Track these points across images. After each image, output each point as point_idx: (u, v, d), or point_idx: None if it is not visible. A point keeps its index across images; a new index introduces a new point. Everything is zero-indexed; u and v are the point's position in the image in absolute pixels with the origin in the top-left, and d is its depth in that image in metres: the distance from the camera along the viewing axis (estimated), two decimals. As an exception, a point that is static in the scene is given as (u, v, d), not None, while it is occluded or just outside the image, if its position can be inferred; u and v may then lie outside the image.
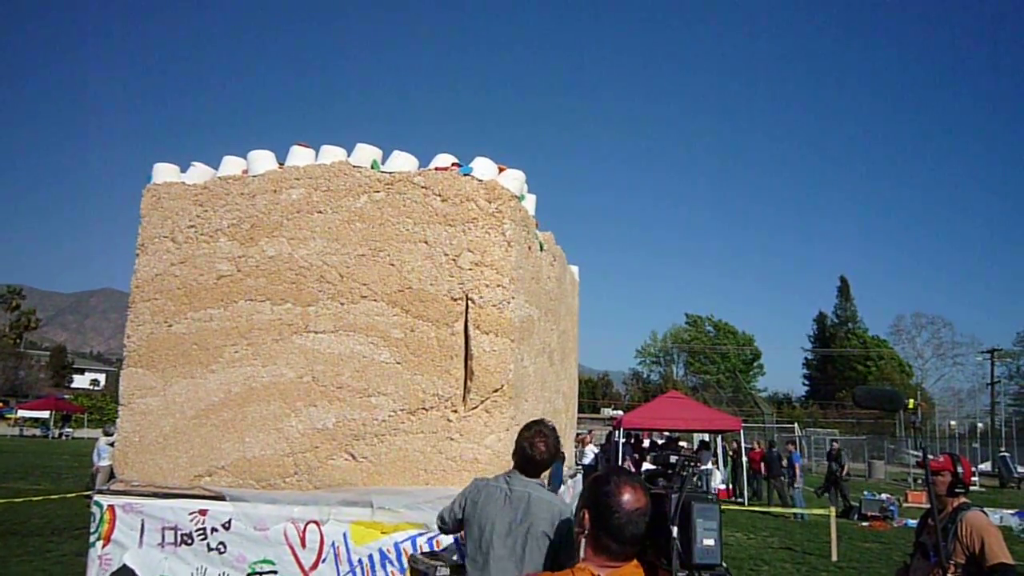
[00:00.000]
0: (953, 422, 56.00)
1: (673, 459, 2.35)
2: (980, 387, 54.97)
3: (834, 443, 22.76)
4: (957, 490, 4.41)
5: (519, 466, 3.11)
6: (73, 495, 15.89)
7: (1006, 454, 35.01)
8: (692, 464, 2.27)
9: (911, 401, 3.35)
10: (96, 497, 5.15)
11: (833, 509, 13.20)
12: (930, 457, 4.08)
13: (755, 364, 78.03)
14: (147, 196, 5.54)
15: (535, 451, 3.05)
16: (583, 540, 2.16)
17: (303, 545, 4.61)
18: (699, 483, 2.12)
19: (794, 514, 17.15)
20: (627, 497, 2.08)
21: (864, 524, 16.81)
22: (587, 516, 2.14)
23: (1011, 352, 62.46)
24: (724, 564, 2.04)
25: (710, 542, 2.02)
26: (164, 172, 5.59)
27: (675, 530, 2.05)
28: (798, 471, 19.66)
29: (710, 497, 2.10)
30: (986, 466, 37.86)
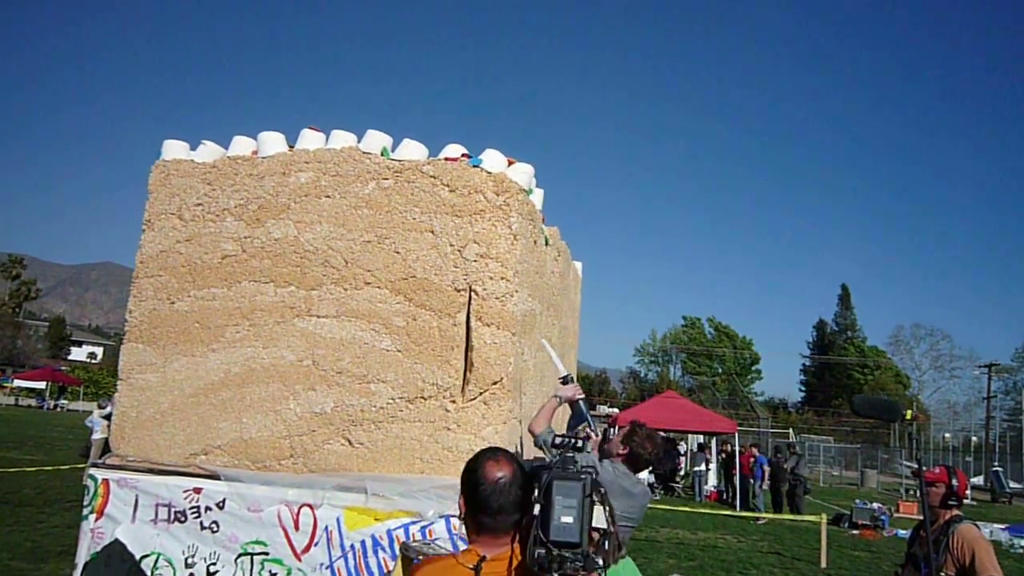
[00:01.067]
0: (948, 435, 56.11)
1: (558, 440, 2.56)
2: (976, 401, 55.14)
3: (792, 446, 22.81)
4: (951, 502, 4.41)
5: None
6: (67, 467, 15.94)
7: (999, 469, 35.08)
8: (574, 444, 2.46)
9: (908, 412, 3.38)
10: (90, 471, 5.16)
11: (824, 516, 13.22)
12: (925, 468, 4.07)
13: (753, 368, 78.13)
14: (155, 172, 5.53)
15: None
16: (466, 526, 2.22)
17: (296, 528, 4.62)
18: (581, 465, 2.12)
19: (755, 517, 17.20)
20: (489, 468, 2.15)
21: (855, 532, 16.87)
22: (462, 499, 2.21)
23: (1008, 367, 62.58)
24: (586, 545, 2.01)
25: (568, 519, 1.99)
26: (174, 149, 5.58)
27: (537, 508, 2.05)
28: (765, 473, 19.82)
29: (578, 474, 2.11)
30: (979, 480, 37.95)
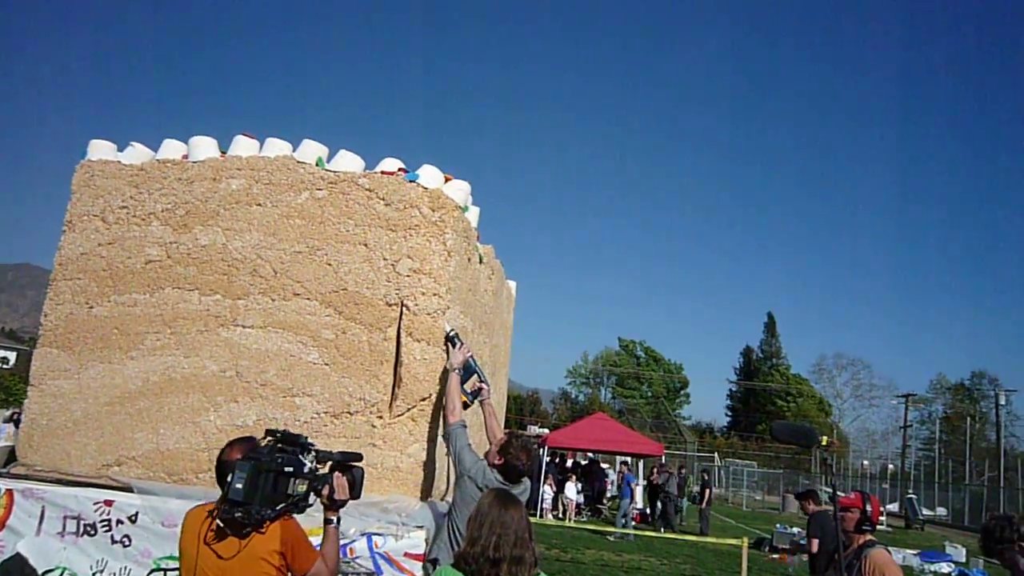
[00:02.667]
0: (866, 462, 57.93)
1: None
2: (893, 429, 57.00)
3: (664, 466, 23.51)
4: (864, 527, 4.51)
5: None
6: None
7: (913, 496, 36.30)
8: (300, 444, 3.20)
9: (824, 438, 3.48)
10: (-6, 480, 4.91)
11: (745, 540, 13.45)
12: (840, 494, 4.18)
13: (682, 392, 79.38)
14: (80, 172, 5.35)
15: None
16: None
17: (212, 543, 4.47)
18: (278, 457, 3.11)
19: (623, 534, 17.42)
20: (228, 452, 3.17)
21: (775, 556, 17.21)
22: None
23: (924, 398, 65.02)
24: (256, 505, 2.93)
25: (239, 486, 2.92)
26: (100, 149, 5.41)
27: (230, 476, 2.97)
28: (635, 492, 20.26)
29: (257, 457, 3.02)
30: (894, 507, 39.22)
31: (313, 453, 3.27)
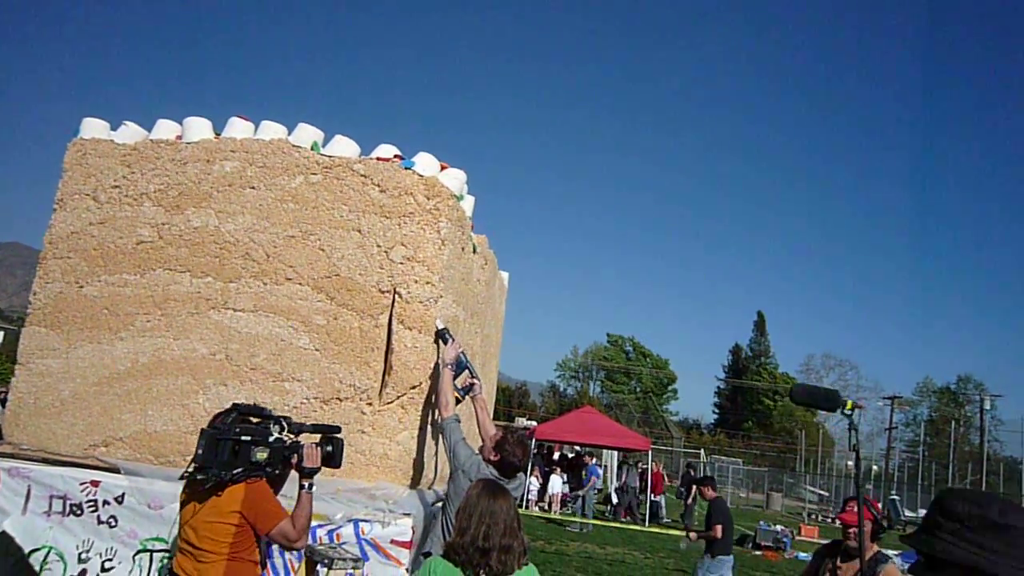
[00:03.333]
0: (851, 462, 58.20)
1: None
2: (878, 431, 57.34)
3: (627, 460, 23.87)
4: (880, 535, 4.40)
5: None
6: (-45, 455, 15.06)
7: (896, 498, 36.58)
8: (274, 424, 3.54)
9: (849, 402, 3.25)
10: (-21, 459, 4.89)
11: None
12: (853, 508, 4.03)
13: (669, 388, 79.66)
14: (72, 150, 5.31)
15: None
16: None
17: (198, 526, 4.47)
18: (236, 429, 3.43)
19: (582, 524, 17.49)
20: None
21: (758, 553, 17.32)
22: None
23: (910, 400, 65.49)
24: (214, 469, 3.33)
25: (199, 451, 3.34)
26: (93, 127, 5.37)
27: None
28: (593, 482, 20.43)
29: (220, 431, 3.40)
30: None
31: (284, 424, 3.61)
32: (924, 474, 46.43)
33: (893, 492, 39.04)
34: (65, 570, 4.58)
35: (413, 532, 4.32)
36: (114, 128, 5.42)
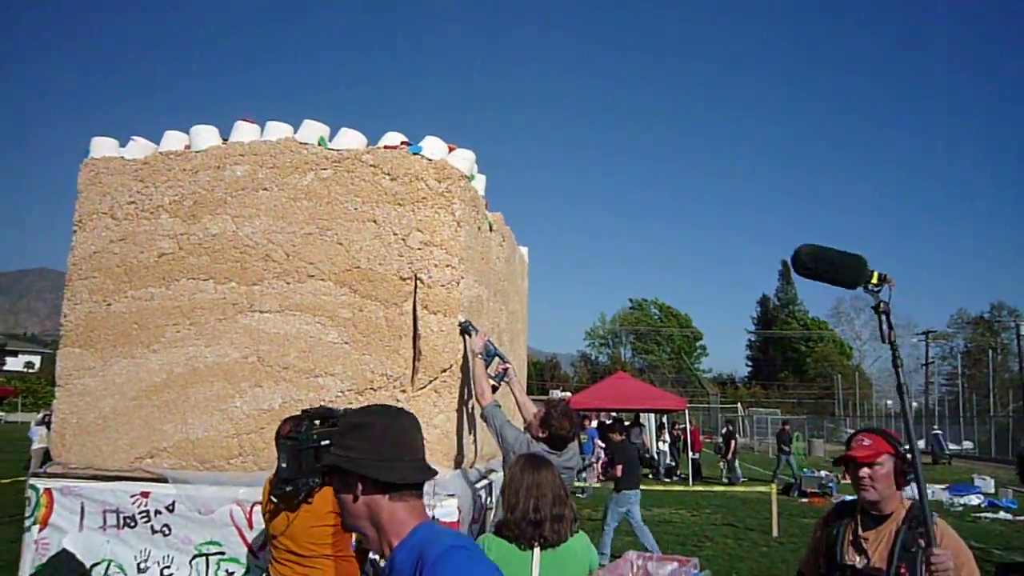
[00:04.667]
0: (889, 401, 57.90)
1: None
2: (915, 368, 56.85)
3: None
4: (909, 476, 2.83)
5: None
6: (8, 480, 15.42)
7: (939, 432, 36.37)
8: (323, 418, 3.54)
9: (875, 273, 2.28)
10: (31, 481, 5.00)
11: (773, 486, 13.54)
12: (863, 441, 2.87)
13: (698, 345, 79.41)
14: (84, 171, 5.36)
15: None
16: None
17: (250, 526, 4.56)
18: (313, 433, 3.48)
19: (582, 488, 17.16)
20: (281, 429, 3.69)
21: (803, 500, 17.34)
22: None
23: (945, 334, 64.86)
24: (302, 479, 3.43)
25: (284, 464, 3.45)
26: (102, 146, 5.41)
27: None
28: (590, 461, 20.23)
29: (296, 439, 3.47)
30: (920, 443, 39.25)
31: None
32: (965, 406, 46.06)
33: (935, 427, 38.80)
34: (126, 580, 4.70)
35: (459, 512, 4.37)
36: (123, 144, 5.45)
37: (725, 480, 22.15)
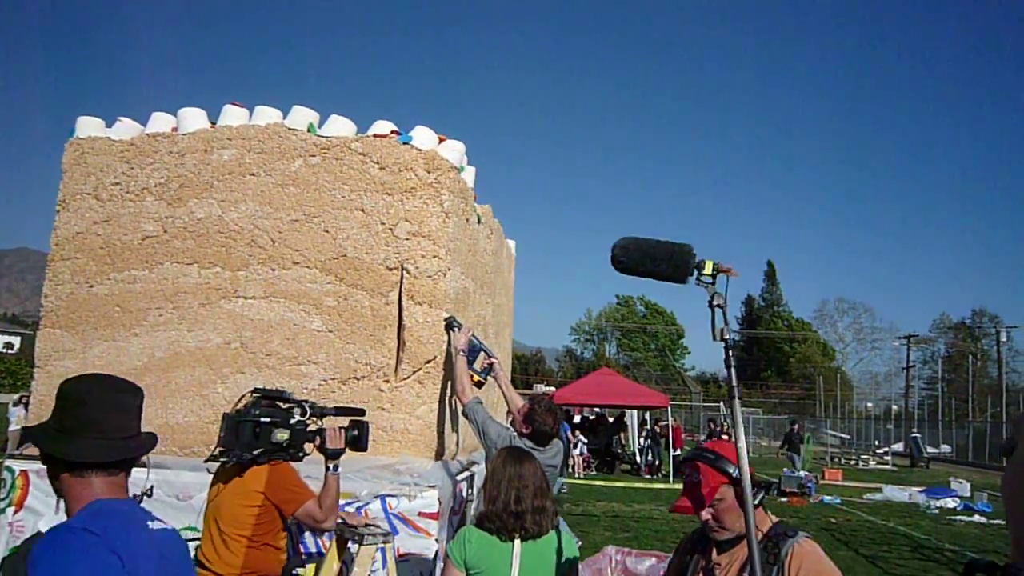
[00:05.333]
0: (870, 404, 58.45)
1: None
2: (896, 371, 57.48)
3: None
4: (761, 497, 2.35)
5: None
6: (-15, 461, 15.24)
7: (917, 435, 36.72)
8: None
9: (709, 263, 2.04)
10: (7, 462, 4.96)
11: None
12: (694, 477, 2.46)
13: (679, 343, 79.68)
14: (69, 150, 5.30)
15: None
16: None
17: (228, 513, 4.53)
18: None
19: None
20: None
21: (783, 500, 17.43)
22: None
23: (926, 338, 65.41)
24: (236, 451, 3.38)
25: (222, 434, 3.41)
26: (88, 126, 5.35)
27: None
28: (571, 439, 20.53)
29: (236, 411, 3.48)
30: (899, 446, 39.72)
31: (306, 408, 3.62)
32: (944, 410, 46.52)
33: (914, 430, 39.17)
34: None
35: (440, 503, 4.36)
36: (109, 125, 5.40)
37: None
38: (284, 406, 3.62)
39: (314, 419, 3.67)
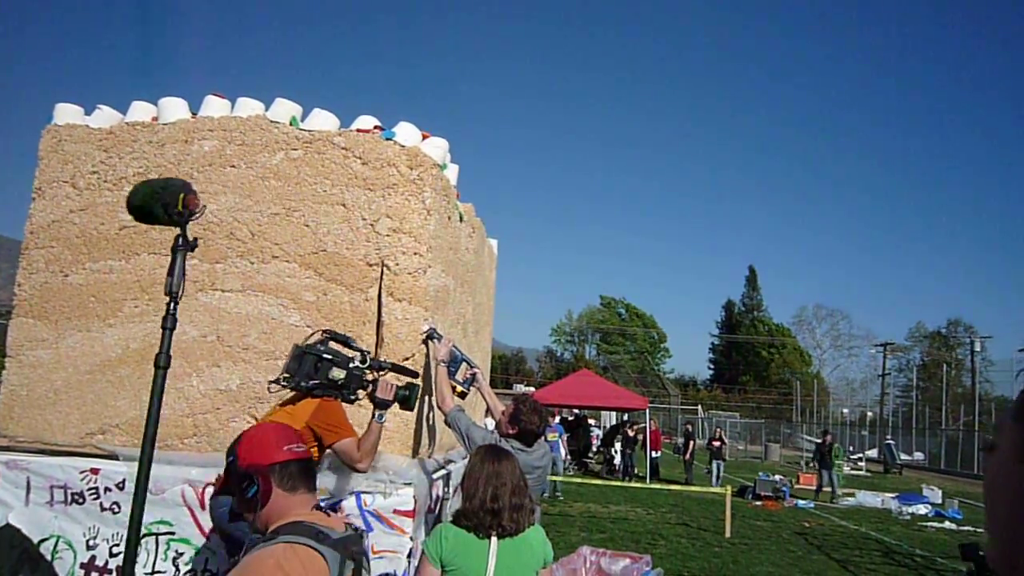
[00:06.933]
0: (845, 410, 58.96)
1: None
2: (872, 378, 58.05)
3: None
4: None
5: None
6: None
7: (891, 442, 37.11)
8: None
9: (181, 198, 2.00)
10: (-24, 453, 4.88)
11: (729, 488, 13.70)
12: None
13: (661, 346, 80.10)
14: (46, 137, 5.23)
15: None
16: None
17: (202, 507, 4.49)
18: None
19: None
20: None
21: (757, 503, 17.56)
22: None
23: (902, 346, 66.21)
24: (295, 378, 3.74)
25: (285, 362, 3.84)
26: (66, 113, 5.28)
27: None
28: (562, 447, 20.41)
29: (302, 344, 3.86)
30: (873, 452, 40.15)
31: (366, 356, 3.96)
32: (918, 417, 47.07)
33: (888, 437, 39.57)
34: (75, 557, 4.62)
35: (415, 501, 4.35)
36: (88, 113, 5.33)
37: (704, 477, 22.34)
38: (348, 353, 3.93)
39: (371, 370, 3.95)
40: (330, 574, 1.92)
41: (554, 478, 16.36)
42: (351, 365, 3.85)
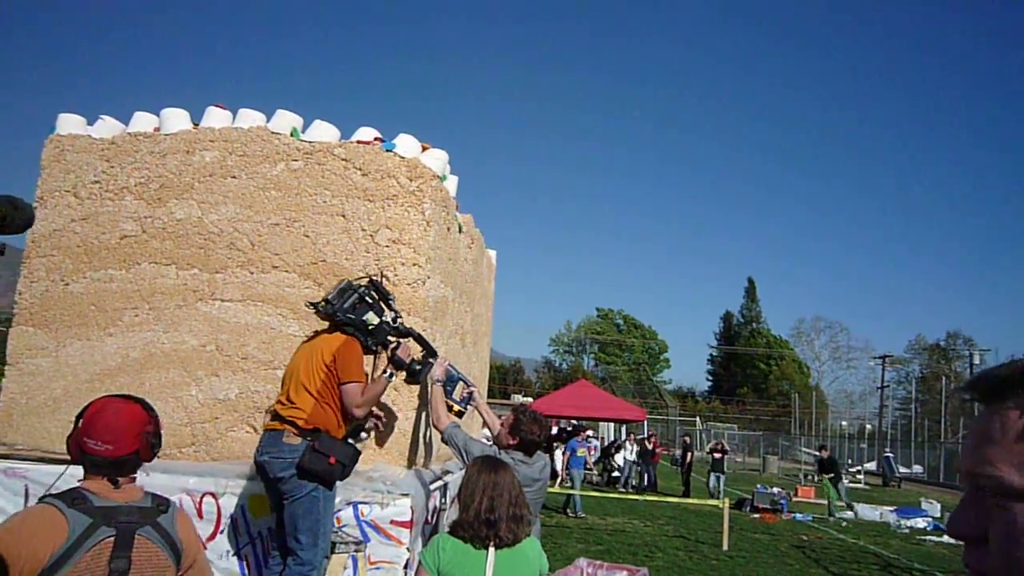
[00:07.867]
0: (844, 422, 58.91)
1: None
2: (871, 390, 57.99)
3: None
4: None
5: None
6: (-49, 459, 14.98)
7: (890, 455, 37.01)
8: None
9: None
10: (-25, 461, 4.89)
11: (727, 500, 13.67)
12: None
13: (661, 358, 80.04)
14: (49, 147, 5.26)
15: None
16: None
17: (200, 516, 4.49)
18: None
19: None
20: None
21: (755, 516, 17.52)
22: None
23: (901, 359, 66.12)
24: (333, 305, 4.03)
25: (331, 293, 4.10)
26: (69, 123, 5.32)
27: None
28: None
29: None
30: (872, 465, 40.03)
31: (398, 318, 4.27)
32: (917, 430, 46.99)
33: (887, 449, 39.49)
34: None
35: (412, 512, 4.35)
36: (91, 123, 5.37)
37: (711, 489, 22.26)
38: (386, 309, 4.21)
39: (399, 334, 4.23)
40: (67, 533, 2.04)
41: (570, 491, 16.20)
42: (384, 317, 4.11)
